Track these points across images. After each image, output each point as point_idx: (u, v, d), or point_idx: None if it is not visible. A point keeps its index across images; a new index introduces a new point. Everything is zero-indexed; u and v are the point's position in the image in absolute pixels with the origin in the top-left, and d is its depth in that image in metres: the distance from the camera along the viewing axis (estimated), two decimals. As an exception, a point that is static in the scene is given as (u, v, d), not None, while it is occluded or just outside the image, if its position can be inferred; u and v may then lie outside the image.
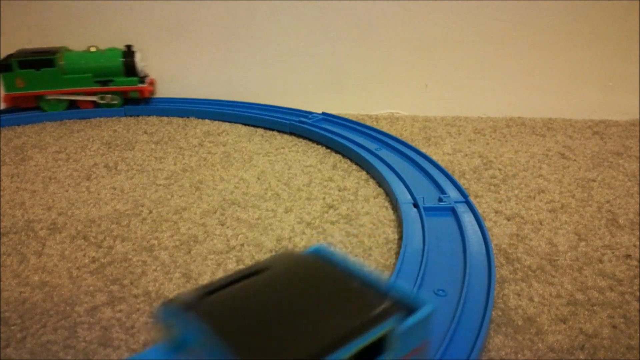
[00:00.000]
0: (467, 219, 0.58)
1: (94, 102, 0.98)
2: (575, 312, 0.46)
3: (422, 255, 0.51)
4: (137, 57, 0.96)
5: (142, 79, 0.97)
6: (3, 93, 0.96)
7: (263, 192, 0.68)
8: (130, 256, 0.55)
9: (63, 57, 0.95)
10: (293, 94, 1.05)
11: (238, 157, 0.80)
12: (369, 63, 1.01)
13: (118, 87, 0.96)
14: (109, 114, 0.99)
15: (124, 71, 0.96)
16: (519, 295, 0.48)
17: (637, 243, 0.56)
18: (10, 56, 0.95)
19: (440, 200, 0.61)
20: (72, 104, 0.98)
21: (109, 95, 0.97)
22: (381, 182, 0.70)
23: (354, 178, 0.72)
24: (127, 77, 0.96)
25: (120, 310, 0.46)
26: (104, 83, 0.96)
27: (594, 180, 0.71)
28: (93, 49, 0.96)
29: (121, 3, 1.03)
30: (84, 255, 0.55)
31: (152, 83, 1.01)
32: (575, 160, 0.78)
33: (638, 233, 0.58)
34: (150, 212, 0.64)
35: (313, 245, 0.56)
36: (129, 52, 0.96)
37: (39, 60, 0.94)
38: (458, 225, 0.57)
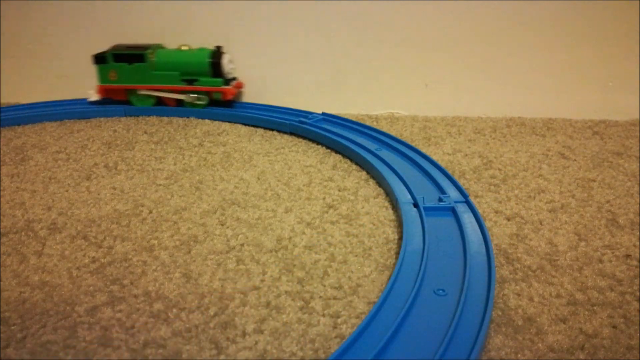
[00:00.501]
0: (467, 219, 0.58)
1: (180, 100, 0.98)
2: (575, 312, 0.46)
3: (422, 255, 0.51)
4: (225, 59, 0.95)
5: (227, 81, 0.96)
6: (97, 84, 0.99)
7: (263, 192, 0.68)
8: (130, 256, 0.55)
9: (155, 53, 0.97)
10: (293, 94, 1.05)
11: (238, 157, 0.80)
12: (369, 63, 1.01)
13: (202, 87, 0.95)
14: (109, 113, 0.99)
15: (210, 71, 0.95)
16: (519, 295, 0.48)
17: (637, 243, 0.56)
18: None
19: (440, 200, 0.61)
20: (160, 101, 0.99)
21: (195, 95, 0.96)
22: (381, 182, 0.70)
23: (354, 178, 0.72)
24: (212, 77, 0.95)
25: (120, 310, 0.46)
26: (190, 82, 0.96)
27: (594, 180, 0.71)
28: (185, 48, 0.97)
29: (121, 3, 1.03)
30: (84, 255, 0.55)
31: (238, 86, 0.99)
32: (575, 160, 0.78)
33: (638, 233, 0.58)
34: (150, 212, 0.64)
35: (313, 244, 0.56)
36: (216, 53, 0.95)
37: (132, 55, 0.96)
38: (458, 225, 0.57)
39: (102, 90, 0.99)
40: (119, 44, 1.00)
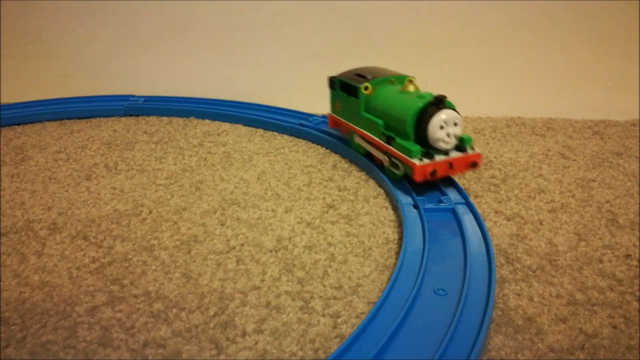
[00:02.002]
0: (467, 219, 0.58)
1: (381, 160, 0.70)
2: (575, 312, 0.46)
3: (422, 255, 0.51)
4: (438, 119, 0.63)
5: (430, 152, 0.63)
6: (329, 111, 0.83)
7: (263, 192, 0.68)
8: (130, 256, 0.55)
9: (374, 89, 0.73)
10: (293, 94, 1.05)
11: (238, 157, 0.80)
12: (368, 63, 1.01)
13: (395, 151, 0.66)
14: (109, 113, 0.99)
15: (409, 132, 0.65)
16: (519, 295, 0.48)
17: (637, 243, 0.56)
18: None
19: (440, 202, 0.61)
20: (370, 153, 0.73)
21: (389, 159, 0.67)
22: (381, 183, 0.70)
23: (354, 178, 0.72)
24: (408, 141, 0.65)
25: (120, 310, 0.46)
26: (389, 139, 0.67)
27: (594, 180, 0.71)
28: (410, 88, 0.69)
29: (121, 3, 1.03)
30: (84, 255, 0.55)
31: (459, 165, 0.64)
32: (575, 160, 0.78)
33: (638, 233, 0.58)
34: (150, 212, 0.64)
35: (313, 244, 0.56)
36: (428, 108, 0.64)
37: (349, 86, 0.76)
38: (458, 225, 0.57)
39: (330, 120, 0.82)
40: (364, 67, 0.79)
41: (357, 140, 0.76)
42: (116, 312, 0.46)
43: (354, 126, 0.75)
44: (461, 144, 0.65)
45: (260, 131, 0.91)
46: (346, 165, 0.77)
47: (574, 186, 0.70)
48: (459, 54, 0.98)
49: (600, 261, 0.53)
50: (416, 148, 0.63)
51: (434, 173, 0.62)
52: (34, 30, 1.08)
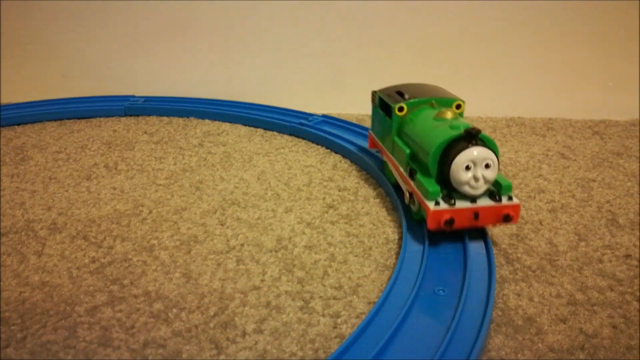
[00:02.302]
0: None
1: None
2: (575, 312, 0.46)
3: (422, 255, 0.51)
4: (464, 158, 0.51)
5: (452, 196, 0.52)
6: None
7: (263, 192, 0.68)
8: (130, 256, 0.55)
9: (412, 111, 0.62)
10: (293, 94, 1.05)
11: (238, 157, 0.80)
12: (369, 63, 1.01)
13: (413, 187, 0.56)
14: (109, 113, 0.99)
15: (435, 168, 0.54)
16: (519, 295, 0.48)
17: (637, 243, 0.56)
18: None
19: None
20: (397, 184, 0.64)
21: (410, 196, 0.58)
22: (381, 183, 0.70)
23: (354, 178, 0.72)
24: (431, 178, 0.54)
25: (120, 310, 0.46)
26: (413, 173, 0.57)
27: (594, 180, 0.71)
28: (448, 115, 0.57)
29: (121, 3, 1.03)
30: (84, 255, 0.55)
31: (487, 216, 0.52)
32: (575, 160, 0.78)
33: (638, 233, 0.58)
34: (150, 212, 0.64)
35: (314, 244, 0.56)
36: (458, 142, 0.52)
37: (386, 104, 0.66)
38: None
39: (370, 140, 0.74)
40: (412, 84, 0.69)
41: (389, 166, 0.65)
42: (116, 312, 0.46)
43: (385, 150, 0.66)
44: (496, 190, 0.52)
45: (260, 131, 0.91)
46: (346, 165, 0.77)
47: (574, 186, 0.70)
48: (459, 54, 0.98)
49: (600, 261, 0.53)
50: (434, 189, 0.52)
51: (450, 222, 0.51)
52: (34, 30, 1.08)
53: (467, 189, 0.51)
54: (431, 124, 0.57)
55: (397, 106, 0.62)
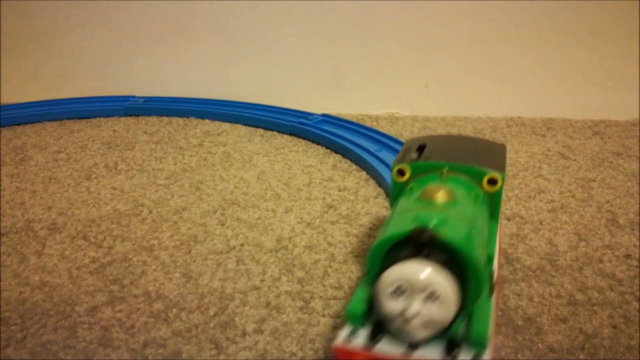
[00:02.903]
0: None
1: None
2: (575, 312, 0.46)
3: (422, 255, 0.51)
4: (388, 277, 0.32)
5: (374, 332, 0.33)
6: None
7: (263, 192, 0.68)
8: (130, 256, 0.55)
9: (414, 177, 0.44)
10: (293, 94, 1.05)
11: (238, 157, 0.80)
12: (369, 63, 1.01)
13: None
14: (109, 114, 0.99)
15: (372, 277, 0.35)
16: (519, 295, 0.48)
17: (637, 243, 0.56)
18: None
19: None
20: None
21: None
22: (381, 183, 0.70)
23: (354, 178, 0.72)
24: (363, 289, 0.36)
25: (120, 310, 0.46)
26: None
27: (594, 180, 0.71)
28: (439, 197, 0.37)
29: (121, 3, 1.03)
30: (84, 255, 0.55)
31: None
32: (575, 160, 0.78)
33: (638, 233, 0.58)
34: (150, 212, 0.64)
35: (313, 243, 0.56)
36: (402, 247, 0.34)
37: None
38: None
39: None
40: (453, 135, 0.56)
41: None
42: (116, 312, 0.46)
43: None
44: (453, 339, 0.32)
45: (260, 131, 0.91)
46: (346, 165, 0.77)
47: (574, 186, 0.70)
48: (459, 54, 0.98)
49: (600, 261, 0.53)
50: (355, 309, 0.33)
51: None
52: (34, 30, 1.08)
53: (398, 327, 0.32)
54: (403, 207, 0.39)
55: (396, 168, 0.44)
